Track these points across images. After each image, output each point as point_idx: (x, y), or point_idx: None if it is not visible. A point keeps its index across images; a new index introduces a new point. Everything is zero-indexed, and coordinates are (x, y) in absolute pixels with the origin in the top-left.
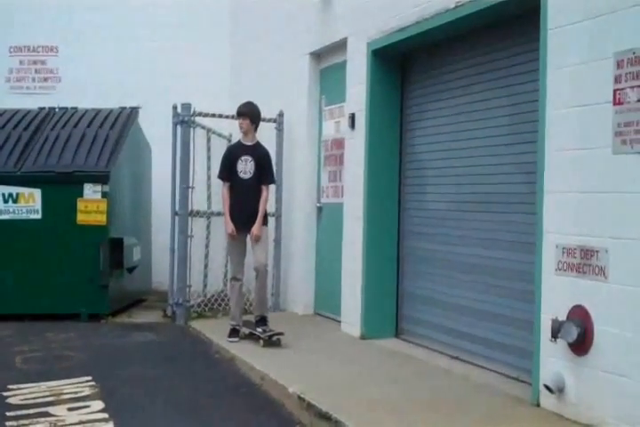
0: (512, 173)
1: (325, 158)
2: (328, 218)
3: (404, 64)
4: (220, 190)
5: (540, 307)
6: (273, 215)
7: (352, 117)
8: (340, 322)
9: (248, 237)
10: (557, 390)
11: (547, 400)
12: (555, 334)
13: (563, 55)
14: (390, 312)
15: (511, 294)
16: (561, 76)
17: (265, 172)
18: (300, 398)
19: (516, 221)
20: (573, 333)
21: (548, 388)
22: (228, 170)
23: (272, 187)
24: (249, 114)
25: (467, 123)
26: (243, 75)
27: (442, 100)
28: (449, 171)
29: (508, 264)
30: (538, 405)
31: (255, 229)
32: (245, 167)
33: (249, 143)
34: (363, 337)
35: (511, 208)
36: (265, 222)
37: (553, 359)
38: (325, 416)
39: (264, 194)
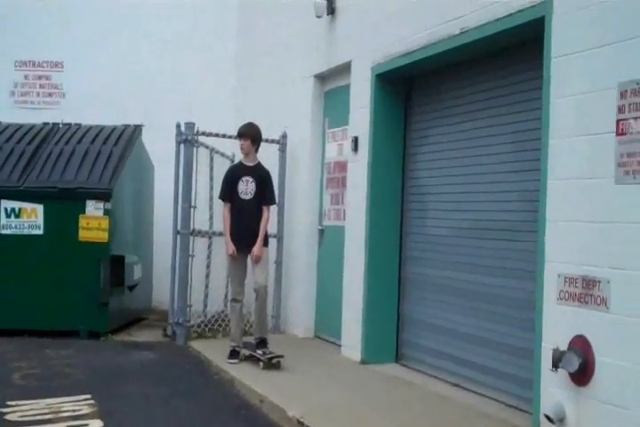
0: (514, 201)
1: (328, 181)
2: (330, 241)
3: (408, 88)
4: (222, 210)
5: (541, 336)
6: (274, 237)
7: (355, 140)
8: (340, 346)
9: (249, 257)
10: (558, 420)
11: None
12: (556, 364)
13: (566, 84)
14: (391, 337)
15: (512, 321)
16: (564, 104)
17: (266, 192)
18: (299, 422)
19: (518, 249)
20: (574, 363)
21: (548, 418)
22: (229, 191)
23: (273, 208)
24: (249, 135)
25: (469, 149)
26: (247, 94)
27: (445, 125)
28: (450, 196)
29: (508, 292)
30: None
31: (256, 249)
32: (246, 188)
33: (250, 164)
34: (363, 362)
35: (513, 236)
36: (265, 243)
37: (554, 389)
38: None
39: (265, 215)
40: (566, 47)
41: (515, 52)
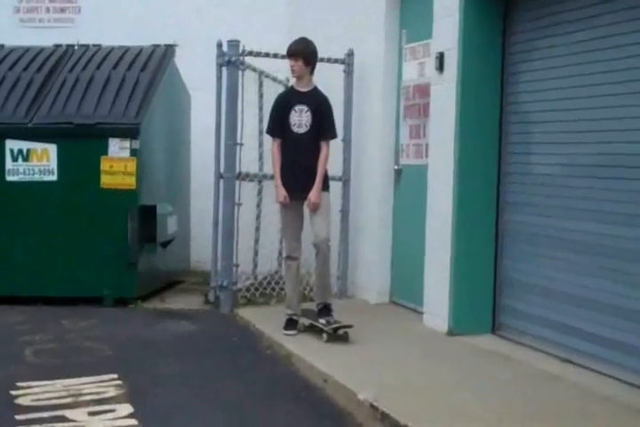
0: None
1: (406, 109)
2: (408, 184)
3: None
4: (271, 148)
5: None
6: (339, 179)
7: (440, 58)
8: (421, 313)
9: (305, 205)
10: None
11: None
12: None
13: None
14: (486, 302)
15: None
16: None
17: (325, 124)
18: (372, 406)
19: None
20: None
21: None
22: (278, 123)
23: (335, 143)
24: (301, 53)
25: (589, 65)
26: (302, 4)
27: (557, 35)
28: (563, 125)
29: (633, 244)
30: None
31: (313, 195)
32: (300, 119)
33: (304, 89)
34: (451, 333)
35: None
36: (326, 187)
37: None
38: None
39: (324, 151)
40: None
41: None
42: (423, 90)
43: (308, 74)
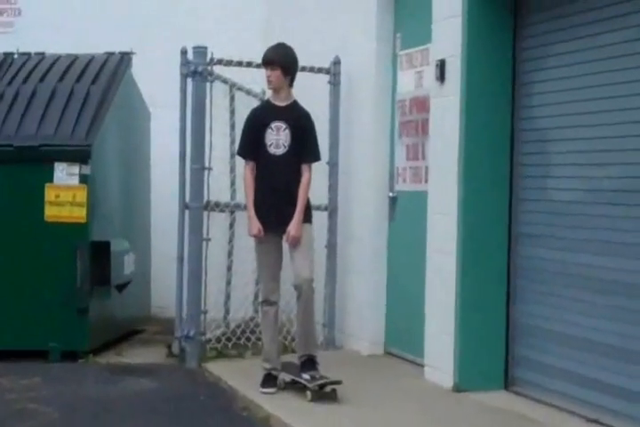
0: None
1: (401, 126)
2: (405, 213)
3: None
4: (243, 173)
5: None
6: (324, 209)
7: (441, 66)
8: (422, 366)
9: (284, 239)
10: None
11: None
12: None
13: None
14: (497, 353)
15: None
16: None
17: (306, 144)
18: None
19: None
20: None
21: None
22: (252, 143)
23: (318, 166)
24: (279, 61)
25: (615, 73)
26: (280, 5)
27: (575, 38)
28: (586, 144)
29: None
30: None
31: (293, 228)
32: (278, 138)
33: (282, 104)
34: (457, 389)
35: None
36: (308, 219)
37: None
38: None
39: (305, 176)
40: None
41: None
42: (421, 103)
43: (286, 86)
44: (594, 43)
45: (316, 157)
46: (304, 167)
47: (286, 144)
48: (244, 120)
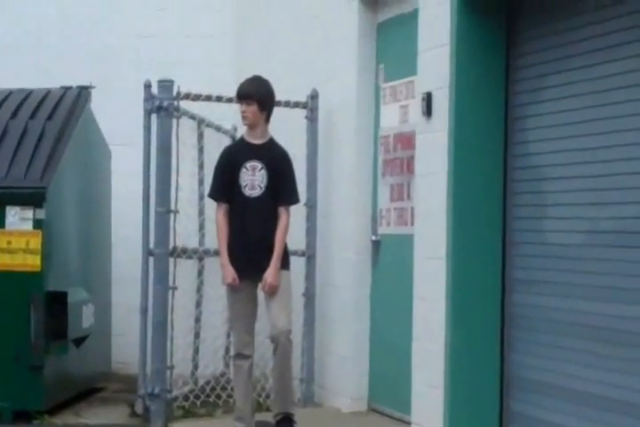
0: None
1: (385, 164)
2: (389, 259)
3: (510, 13)
4: (215, 216)
5: None
6: (302, 255)
7: (428, 99)
8: (409, 424)
9: (259, 288)
10: None
11: None
12: None
13: None
14: (490, 408)
15: None
16: None
17: (284, 185)
18: None
19: None
20: None
21: None
22: (225, 184)
23: (296, 208)
24: (256, 95)
25: (615, 106)
26: (253, 34)
27: (572, 69)
28: (585, 182)
29: None
30: None
31: (270, 275)
32: (253, 179)
33: (257, 142)
34: None
35: None
36: (285, 265)
37: None
38: None
39: (283, 220)
40: None
41: None
42: (407, 140)
43: (263, 122)
44: (590, 74)
45: (295, 199)
46: (281, 210)
47: (262, 185)
48: (217, 159)
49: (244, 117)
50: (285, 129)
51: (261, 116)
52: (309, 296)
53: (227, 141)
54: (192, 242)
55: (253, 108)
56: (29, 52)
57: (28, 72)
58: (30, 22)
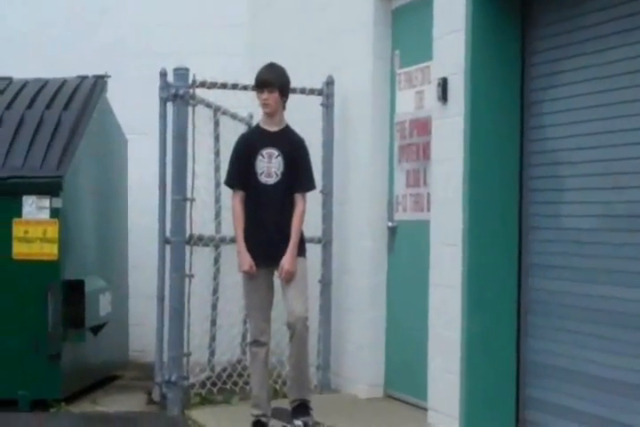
0: None
1: (401, 150)
2: (405, 245)
3: None
4: (231, 204)
5: None
6: (318, 242)
7: (443, 84)
8: (425, 410)
9: (276, 275)
10: None
11: None
12: None
13: None
14: (507, 394)
15: None
16: None
17: (300, 172)
18: None
19: None
20: None
21: None
22: (241, 171)
23: (312, 195)
24: (278, 83)
25: (634, 89)
26: (268, 22)
27: (589, 53)
28: (602, 166)
29: None
30: None
31: (287, 262)
32: (269, 166)
33: (273, 129)
34: None
35: None
36: (302, 252)
37: None
38: None
39: (299, 207)
40: None
41: None
42: (422, 126)
43: (281, 109)
44: (607, 57)
45: (311, 186)
46: (298, 197)
47: (278, 172)
48: (233, 147)
49: (265, 105)
50: (301, 116)
51: (282, 102)
52: (325, 283)
53: (242, 129)
54: (208, 230)
55: (275, 95)
56: (44, 42)
57: (42, 62)
58: (43, 13)
